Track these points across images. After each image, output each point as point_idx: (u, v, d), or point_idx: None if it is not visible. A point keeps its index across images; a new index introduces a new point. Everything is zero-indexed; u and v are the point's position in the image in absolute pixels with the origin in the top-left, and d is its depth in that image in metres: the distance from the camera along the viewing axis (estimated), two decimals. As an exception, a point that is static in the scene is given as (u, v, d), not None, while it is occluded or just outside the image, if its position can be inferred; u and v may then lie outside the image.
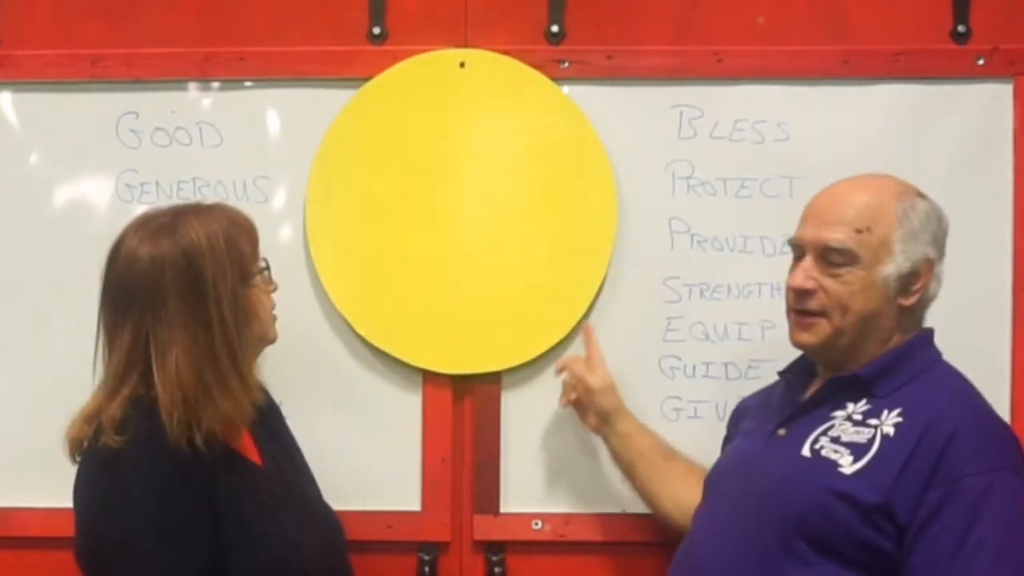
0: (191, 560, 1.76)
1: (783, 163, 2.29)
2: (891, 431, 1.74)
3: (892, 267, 1.81)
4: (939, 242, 1.86)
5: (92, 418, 1.83)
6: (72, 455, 1.87)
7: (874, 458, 1.72)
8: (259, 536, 1.82)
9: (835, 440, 1.77)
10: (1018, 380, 2.28)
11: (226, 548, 1.79)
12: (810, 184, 2.03)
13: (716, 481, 1.96)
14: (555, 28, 2.33)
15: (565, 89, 2.32)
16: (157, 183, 2.33)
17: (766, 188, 2.30)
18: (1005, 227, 2.29)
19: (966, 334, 2.21)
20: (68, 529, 2.22)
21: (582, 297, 2.30)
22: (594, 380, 2.18)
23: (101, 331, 1.87)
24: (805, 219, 1.90)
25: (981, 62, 2.29)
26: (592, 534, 2.31)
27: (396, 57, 2.32)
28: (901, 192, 1.85)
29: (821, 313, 1.83)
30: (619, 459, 2.20)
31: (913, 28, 2.32)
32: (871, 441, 1.74)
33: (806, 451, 1.78)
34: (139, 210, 2.29)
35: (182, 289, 1.79)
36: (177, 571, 1.75)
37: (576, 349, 2.30)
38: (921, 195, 1.87)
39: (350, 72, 2.32)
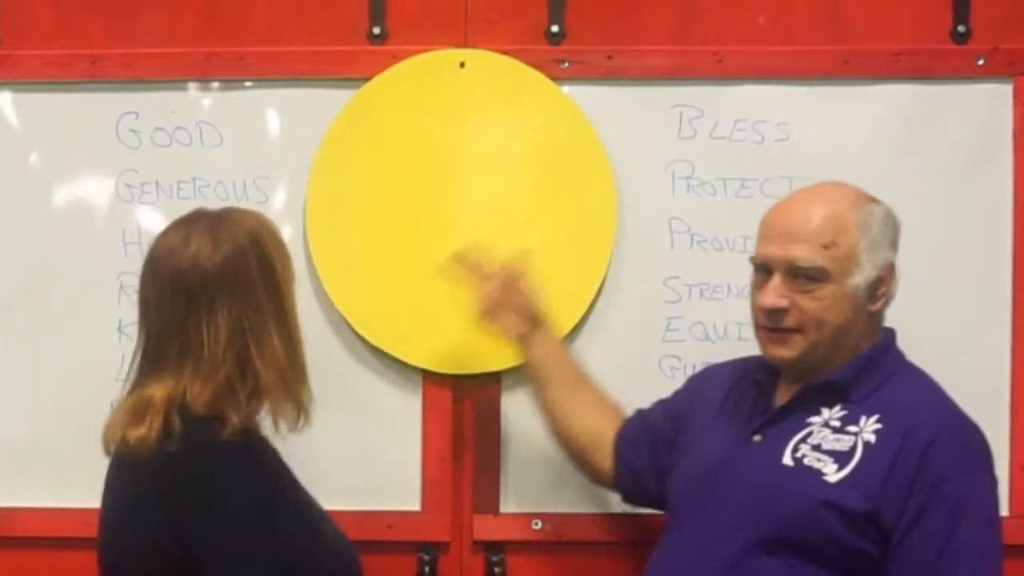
0: (292, 537, 1.76)
1: (783, 163, 2.29)
2: (872, 438, 1.76)
3: (860, 277, 1.81)
4: (896, 244, 1.87)
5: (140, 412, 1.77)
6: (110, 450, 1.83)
7: (858, 466, 1.74)
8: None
9: (816, 448, 1.78)
10: (1018, 380, 2.28)
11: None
12: (810, 184, 2.02)
13: (687, 488, 1.93)
14: (555, 28, 2.33)
15: (565, 89, 2.32)
16: (157, 183, 2.33)
17: (766, 188, 2.30)
18: (1005, 227, 2.29)
19: (966, 334, 2.22)
20: (68, 529, 2.24)
21: (582, 297, 2.30)
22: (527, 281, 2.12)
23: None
24: (767, 236, 1.88)
25: (981, 62, 2.29)
26: (592, 534, 2.31)
27: (396, 57, 2.32)
28: (856, 200, 1.85)
29: (797, 329, 1.83)
30: (536, 369, 2.14)
31: (913, 28, 2.32)
32: (853, 449, 1.76)
33: (787, 460, 1.79)
34: (139, 210, 2.33)
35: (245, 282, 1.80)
36: (279, 550, 1.74)
37: (576, 349, 2.29)
38: (873, 200, 1.87)
39: (350, 72, 2.32)
